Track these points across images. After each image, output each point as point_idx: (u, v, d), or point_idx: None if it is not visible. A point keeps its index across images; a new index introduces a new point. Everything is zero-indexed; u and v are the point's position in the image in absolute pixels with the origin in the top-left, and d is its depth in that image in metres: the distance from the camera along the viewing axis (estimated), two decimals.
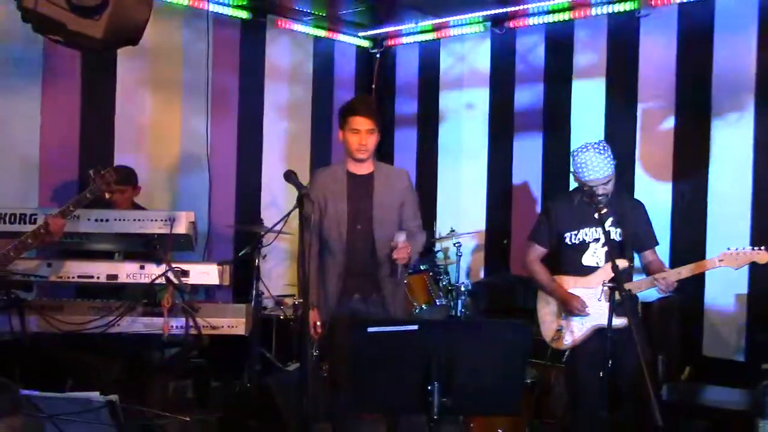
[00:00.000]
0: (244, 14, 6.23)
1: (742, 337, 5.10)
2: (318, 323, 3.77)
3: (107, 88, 5.59)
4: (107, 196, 3.74)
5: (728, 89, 5.16)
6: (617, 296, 3.18)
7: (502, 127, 6.33)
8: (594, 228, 3.87)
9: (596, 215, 3.57)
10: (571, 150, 3.95)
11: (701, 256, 5.00)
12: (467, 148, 6.57)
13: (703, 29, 5.23)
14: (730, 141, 5.15)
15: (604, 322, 3.29)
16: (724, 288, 5.07)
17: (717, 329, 5.20)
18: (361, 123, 3.69)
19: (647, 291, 3.84)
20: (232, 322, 4.23)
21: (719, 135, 5.19)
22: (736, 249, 3.60)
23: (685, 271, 3.69)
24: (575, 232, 3.91)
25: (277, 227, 3.98)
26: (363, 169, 3.79)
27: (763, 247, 3.57)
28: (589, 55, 5.86)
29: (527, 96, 6.22)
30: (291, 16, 6.54)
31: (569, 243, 3.93)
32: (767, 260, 3.54)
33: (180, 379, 4.94)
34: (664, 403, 4.04)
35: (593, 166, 3.74)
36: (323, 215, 3.81)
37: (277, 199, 6.55)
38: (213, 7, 5.89)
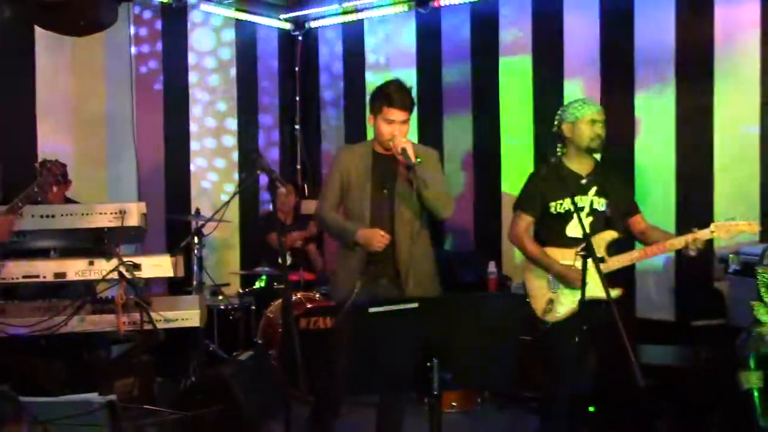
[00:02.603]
0: None
1: (671, 298, 5.38)
2: (382, 233, 3.57)
3: (25, 76, 5.31)
4: (55, 189, 3.56)
5: (650, 62, 5.38)
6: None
7: (431, 107, 6.38)
8: (579, 197, 3.81)
9: (583, 182, 3.60)
10: (557, 114, 3.93)
11: None
12: None
13: (624, 4, 5.44)
14: (654, 112, 5.38)
15: (595, 294, 3.30)
16: None
17: (648, 291, 5.46)
18: (396, 115, 3.58)
19: None
20: (186, 315, 4.12)
21: (643, 107, 5.43)
22: (728, 220, 3.63)
23: (683, 241, 3.67)
24: (560, 201, 3.83)
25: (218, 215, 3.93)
26: (391, 151, 3.65)
27: (756, 221, 3.64)
28: (515, 32, 5.99)
29: (455, 75, 6.31)
30: None
31: (553, 212, 3.84)
32: (757, 231, 3.61)
33: (124, 377, 4.77)
34: None
35: (586, 101, 3.86)
36: (347, 193, 3.73)
37: (207, 187, 6.41)
38: None
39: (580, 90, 5.65)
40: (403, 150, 3.49)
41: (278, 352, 5.21)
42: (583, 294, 3.26)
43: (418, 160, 3.51)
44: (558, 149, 3.97)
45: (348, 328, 3.42)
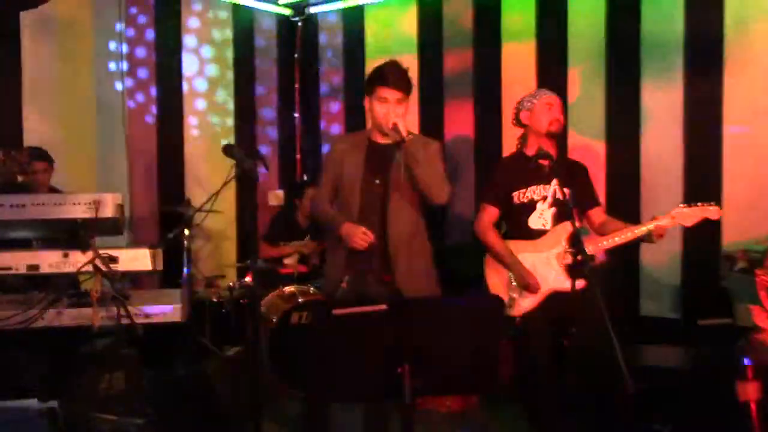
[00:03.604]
0: None
1: (677, 295, 5.17)
2: (364, 230, 3.43)
3: (12, 61, 5.17)
4: (19, 179, 3.42)
5: (657, 50, 5.16)
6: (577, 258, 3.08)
7: (433, 94, 6.19)
8: (542, 186, 3.76)
9: (545, 171, 3.50)
10: (514, 108, 3.98)
11: (636, 214, 5.07)
12: None
13: None
14: (660, 101, 5.16)
15: (558, 286, 3.22)
16: (659, 247, 5.07)
17: (653, 288, 5.26)
18: (390, 93, 3.45)
19: None
20: (166, 309, 3.99)
21: (649, 95, 5.21)
22: (688, 205, 3.54)
23: (645, 230, 3.60)
24: (523, 190, 3.77)
25: (207, 206, 3.78)
26: (387, 139, 3.50)
27: (713, 203, 3.55)
28: (518, 18, 5.78)
29: (456, 61, 6.11)
30: None
31: (516, 202, 3.79)
32: (719, 216, 3.52)
33: (111, 371, 4.66)
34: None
35: (541, 89, 3.93)
36: (339, 183, 3.59)
37: (200, 177, 6.26)
38: None
39: (584, 78, 5.45)
40: (394, 125, 3.36)
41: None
42: (572, 288, 3.13)
43: (410, 135, 3.37)
44: (519, 141, 3.96)
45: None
